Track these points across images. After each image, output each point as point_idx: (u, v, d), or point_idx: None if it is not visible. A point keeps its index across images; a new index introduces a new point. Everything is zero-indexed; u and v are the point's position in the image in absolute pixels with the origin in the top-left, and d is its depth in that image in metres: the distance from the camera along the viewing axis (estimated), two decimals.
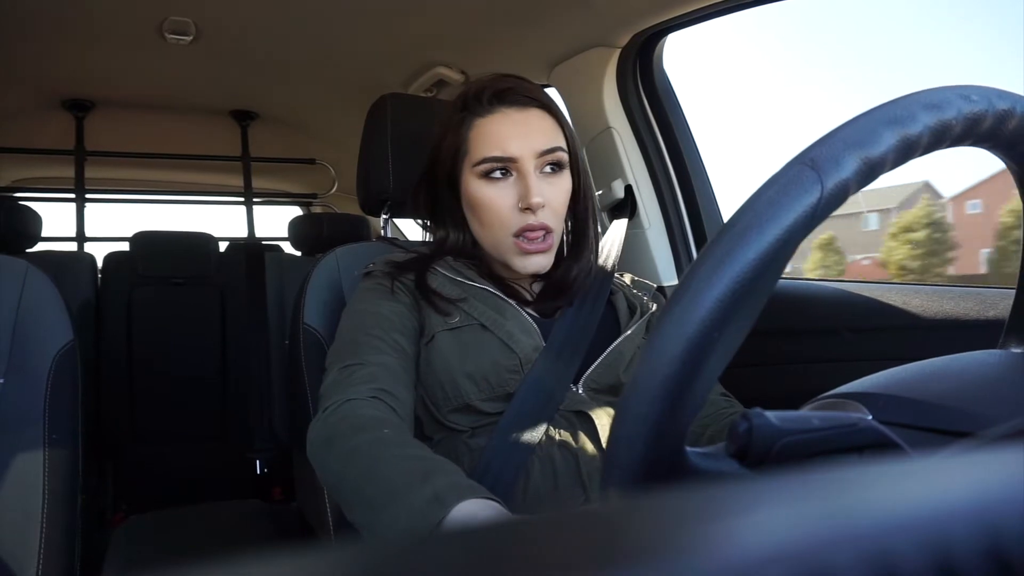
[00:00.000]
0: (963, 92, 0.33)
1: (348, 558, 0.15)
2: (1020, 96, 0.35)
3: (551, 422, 0.78)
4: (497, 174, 0.83)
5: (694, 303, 0.29)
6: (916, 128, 0.32)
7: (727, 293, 0.28)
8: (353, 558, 0.15)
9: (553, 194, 0.84)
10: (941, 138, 0.33)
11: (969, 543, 0.13)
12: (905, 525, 0.13)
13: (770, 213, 0.29)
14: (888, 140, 0.31)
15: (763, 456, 0.27)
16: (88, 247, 2.28)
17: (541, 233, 0.83)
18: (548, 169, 0.84)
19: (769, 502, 0.15)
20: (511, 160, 0.82)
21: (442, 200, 0.91)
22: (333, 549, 0.15)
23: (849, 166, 0.30)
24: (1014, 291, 0.43)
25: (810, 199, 0.30)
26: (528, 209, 0.81)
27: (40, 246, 1.97)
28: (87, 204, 2.31)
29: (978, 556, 0.13)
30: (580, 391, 0.82)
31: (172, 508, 1.86)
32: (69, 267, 1.93)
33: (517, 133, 0.83)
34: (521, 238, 0.83)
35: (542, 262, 0.85)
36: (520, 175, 0.83)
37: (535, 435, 0.77)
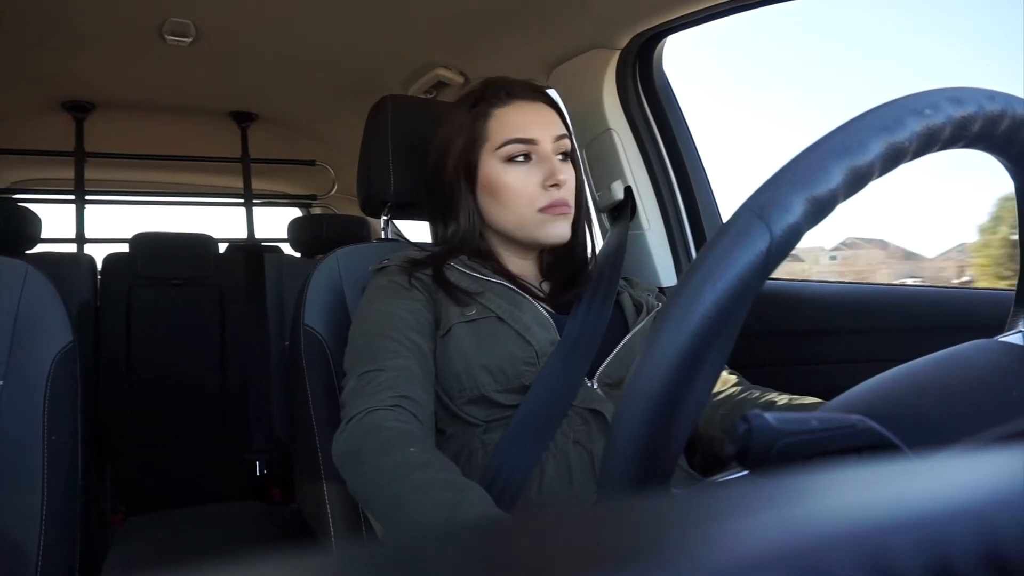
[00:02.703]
0: (916, 107, 0.33)
1: (349, 559, 0.15)
2: (980, 92, 0.35)
3: (566, 419, 0.79)
4: (520, 158, 0.89)
5: (658, 364, 0.30)
6: (866, 156, 0.32)
7: (688, 351, 0.30)
8: (354, 559, 0.15)
9: (568, 178, 0.91)
10: (895, 159, 0.32)
11: (966, 544, 0.13)
12: (901, 526, 0.13)
13: (722, 267, 0.30)
14: (836, 175, 0.31)
15: (762, 457, 0.27)
16: (88, 248, 2.28)
17: (564, 206, 0.89)
18: (561, 156, 0.91)
19: (765, 504, 0.15)
20: (532, 142, 0.89)
21: (453, 194, 0.93)
22: (334, 550, 0.15)
23: (797, 209, 0.31)
24: (1016, 284, 0.44)
25: (759, 248, 0.30)
26: (555, 186, 0.87)
27: (39, 247, 1.97)
28: (87, 205, 2.31)
29: (975, 557, 0.13)
30: (595, 386, 0.83)
31: (172, 509, 1.86)
32: (69, 268, 1.93)
33: (535, 120, 0.90)
34: (546, 211, 0.89)
35: (565, 230, 0.91)
36: (540, 158, 0.89)
37: (549, 430, 0.78)
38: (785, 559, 0.12)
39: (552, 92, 1.43)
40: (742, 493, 0.16)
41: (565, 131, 0.92)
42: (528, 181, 0.88)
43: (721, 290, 0.30)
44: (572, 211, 0.90)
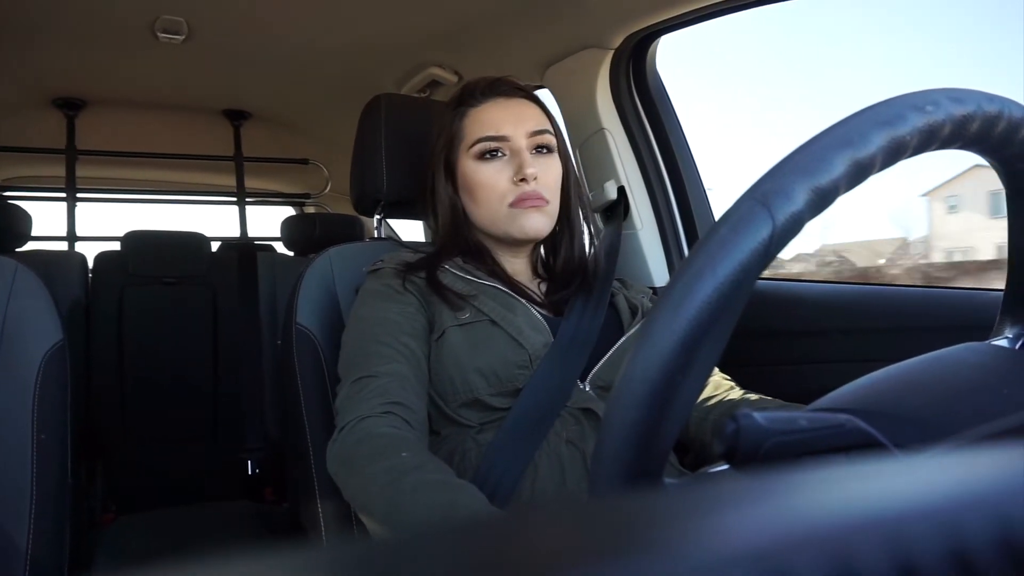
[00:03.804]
0: (917, 103, 0.33)
1: (339, 556, 0.15)
2: (978, 93, 0.36)
3: (559, 419, 0.79)
4: (490, 155, 0.89)
5: (656, 348, 0.30)
6: (868, 149, 0.32)
7: (687, 336, 0.30)
8: (343, 556, 0.15)
9: (544, 171, 0.90)
10: (896, 153, 0.33)
11: (930, 544, 0.13)
12: (866, 525, 0.13)
13: (722, 253, 0.30)
14: (839, 166, 0.31)
15: (750, 457, 0.28)
16: (79, 246, 2.27)
17: (535, 199, 0.88)
18: (538, 150, 0.91)
19: (735, 503, 0.15)
20: (504, 139, 0.89)
21: (439, 194, 0.94)
22: (323, 548, 0.15)
23: (800, 198, 0.31)
24: (1005, 281, 0.44)
25: (761, 235, 0.31)
26: (523, 180, 0.87)
27: (30, 245, 1.96)
28: (78, 203, 2.30)
29: (939, 557, 0.13)
30: (587, 388, 0.83)
31: (162, 509, 1.85)
32: (59, 266, 1.92)
33: (509, 116, 0.90)
34: (516, 205, 0.89)
35: (539, 223, 0.89)
36: (513, 153, 0.89)
37: (542, 431, 0.78)
38: (748, 558, 0.12)
39: (545, 91, 1.45)
40: (715, 491, 0.16)
41: (545, 126, 0.92)
42: (499, 177, 0.89)
43: (722, 276, 0.30)
44: (548, 204, 0.90)
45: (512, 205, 0.88)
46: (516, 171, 0.88)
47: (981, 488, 0.15)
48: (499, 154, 0.89)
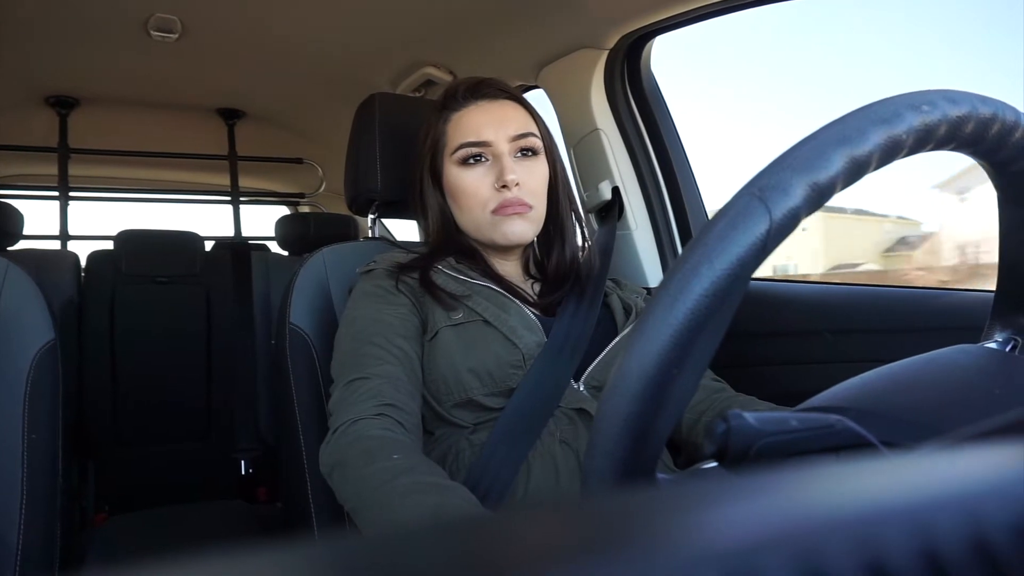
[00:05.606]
0: (914, 103, 0.33)
1: (328, 553, 0.15)
2: (973, 95, 0.36)
3: (552, 419, 0.79)
4: (473, 160, 0.88)
5: (652, 341, 0.30)
6: (866, 146, 0.32)
7: (683, 329, 0.30)
8: (333, 553, 0.15)
9: (528, 176, 0.89)
10: (892, 152, 0.33)
11: (901, 542, 0.13)
12: (836, 525, 0.13)
13: (720, 247, 0.30)
14: (837, 162, 0.32)
15: (741, 457, 0.28)
16: (72, 246, 2.26)
17: (517, 205, 0.88)
18: (522, 153, 0.89)
19: (711, 502, 0.15)
20: (486, 144, 0.88)
21: (428, 197, 0.94)
22: (313, 544, 0.15)
23: (797, 193, 0.31)
24: (994, 293, 0.44)
25: (759, 230, 0.31)
26: (505, 187, 0.86)
27: (22, 244, 1.95)
28: (71, 202, 2.29)
29: (909, 555, 0.13)
30: (581, 388, 0.83)
31: (155, 508, 1.84)
32: (52, 265, 1.91)
33: (490, 120, 0.89)
34: (498, 212, 0.88)
35: (522, 229, 0.89)
36: (495, 158, 0.88)
37: (536, 431, 0.78)
38: (720, 556, 0.12)
39: (540, 91, 1.45)
40: (693, 490, 0.16)
41: (529, 128, 0.90)
42: (482, 184, 0.88)
43: (719, 270, 0.30)
44: (532, 209, 0.89)
45: (494, 212, 0.88)
46: (497, 177, 0.87)
47: (954, 488, 0.15)
48: (481, 159, 0.88)
